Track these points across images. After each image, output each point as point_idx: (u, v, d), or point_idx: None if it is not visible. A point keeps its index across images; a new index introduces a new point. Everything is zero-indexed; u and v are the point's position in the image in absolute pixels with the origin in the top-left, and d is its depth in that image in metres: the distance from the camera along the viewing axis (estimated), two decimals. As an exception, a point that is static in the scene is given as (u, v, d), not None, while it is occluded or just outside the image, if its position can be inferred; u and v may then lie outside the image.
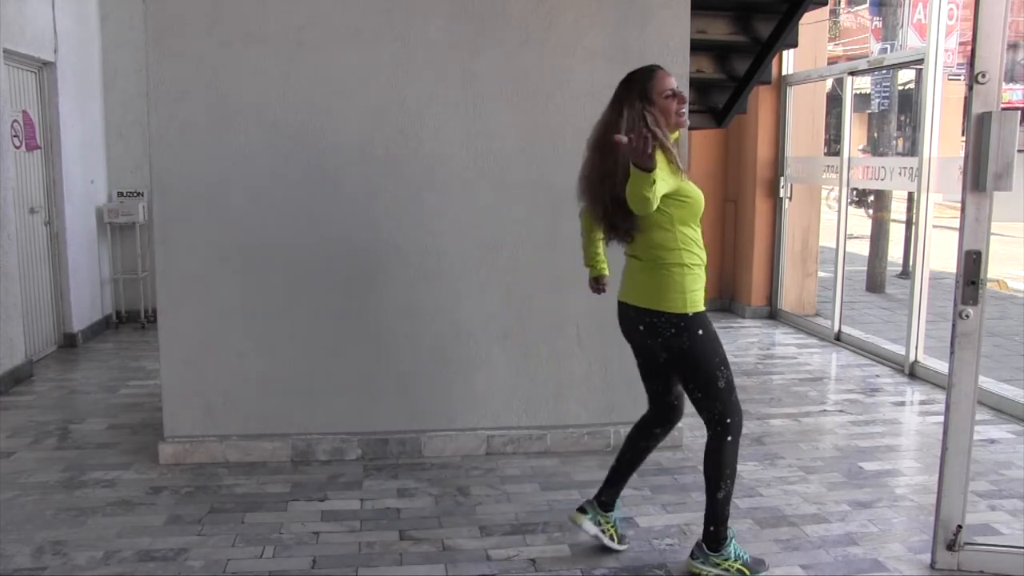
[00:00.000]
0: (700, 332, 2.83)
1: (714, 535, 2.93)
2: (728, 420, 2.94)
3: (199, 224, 3.84)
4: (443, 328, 4.02)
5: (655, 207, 2.60)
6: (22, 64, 5.66)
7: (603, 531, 3.10)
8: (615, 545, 3.11)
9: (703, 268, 2.88)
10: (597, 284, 3.26)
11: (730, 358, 5.86)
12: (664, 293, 2.83)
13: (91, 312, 6.59)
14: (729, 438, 2.94)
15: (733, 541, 2.95)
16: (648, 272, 2.86)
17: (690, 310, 2.81)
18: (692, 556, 2.97)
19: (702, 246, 2.88)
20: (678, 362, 2.92)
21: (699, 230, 2.88)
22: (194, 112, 3.77)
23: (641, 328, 2.91)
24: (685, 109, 2.86)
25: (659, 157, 2.66)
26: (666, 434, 3.18)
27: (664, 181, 2.62)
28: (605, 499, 3.14)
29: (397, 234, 3.96)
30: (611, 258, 3.18)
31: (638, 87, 2.80)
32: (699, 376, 2.90)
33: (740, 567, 2.91)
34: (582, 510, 3.13)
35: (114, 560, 3.02)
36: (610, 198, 2.79)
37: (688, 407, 3.13)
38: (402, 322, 4.00)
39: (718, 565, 2.92)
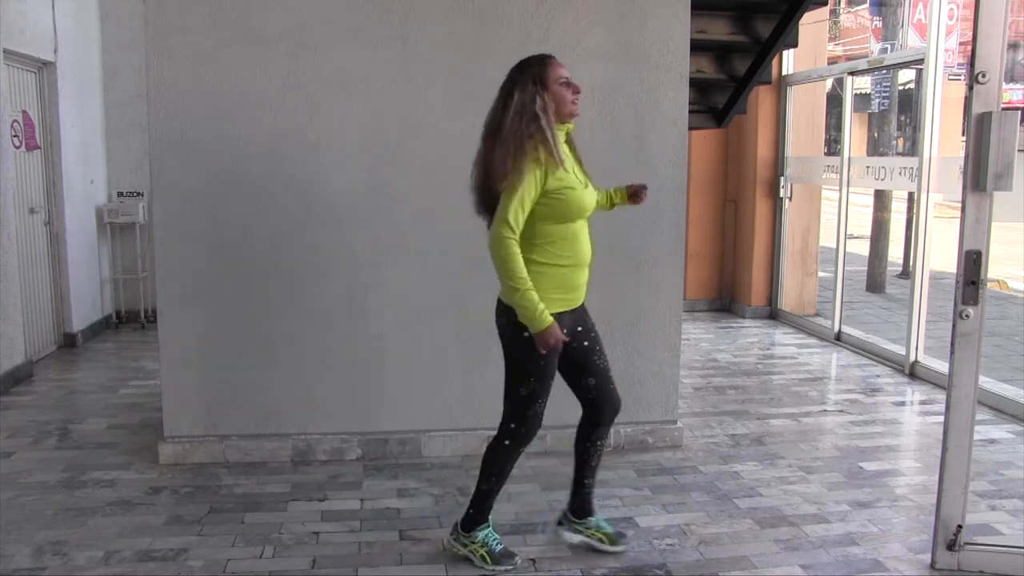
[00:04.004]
0: (525, 334, 2.77)
1: (471, 518, 3.01)
2: (512, 426, 2.91)
3: (199, 224, 3.84)
4: (443, 328, 4.02)
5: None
6: (22, 64, 5.66)
7: (588, 537, 3.10)
8: (608, 548, 3.08)
9: (564, 268, 2.80)
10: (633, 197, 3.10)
11: (730, 358, 5.83)
12: None
13: (91, 312, 6.59)
14: (507, 442, 2.93)
15: (489, 530, 3.02)
16: None
17: None
18: (450, 532, 3.07)
19: (575, 245, 2.80)
20: (504, 352, 2.91)
21: (574, 226, 2.80)
22: (194, 112, 3.77)
23: (495, 314, 2.93)
24: (578, 99, 2.81)
25: (542, 153, 2.68)
26: (600, 431, 3.05)
27: (527, 190, 2.66)
28: (574, 507, 3.13)
29: (397, 234, 3.96)
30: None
31: (533, 71, 2.76)
32: (508, 372, 2.90)
33: (484, 553, 2.98)
34: (559, 522, 3.17)
35: (114, 560, 3.02)
36: (486, 186, 2.80)
37: (625, 397, 3.11)
38: (402, 322, 4.00)
39: (465, 546, 3.00)
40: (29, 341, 5.53)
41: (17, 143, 5.54)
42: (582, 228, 2.85)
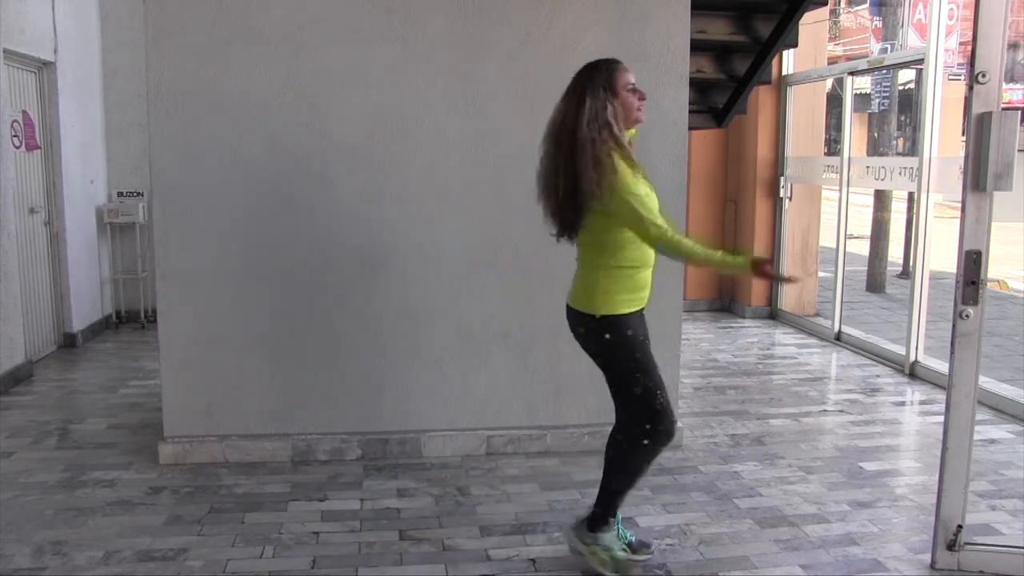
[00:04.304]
0: (607, 336, 2.77)
1: (597, 516, 2.92)
2: (648, 426, 2.83)
3: (199, 224, 3.84)
4: (443, 328, 4.02)
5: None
6: (22, 64, 5.66)
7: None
8: (632, 556, 3.00)
9: (638, 270, 2.80)
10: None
11: (730, 358, 5.83)
12: (581, 292, 2.83)
13: (91, 312, 6.59)
14: (646, 441, 2.85)
15: (614, 531, 2.94)
16: (580, 270, 2.87)
17: (599, 312, 2.76)
18: (573, 526, 2.98)
19: (642, 247, 2.77)
20: (597, 364, 2.89)
21: None
22: (194, 112, 3.77)
23: (569, 325, 2.91)
24: (643, 106, 2.82)
25: (617, 158, 2.68)
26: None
27: (638, 193, 2.65)
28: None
29: (397, 234, 3.96)
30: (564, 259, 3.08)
31: (603, 77, 2.75)
32: (613, 380, 2.86)
33: (606, 557, 2.90)
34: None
35: (114, 560, 3.02)
36: (563, 192, 2.75)
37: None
38: (402, 322, 4.00)
39: (587, 545, 2.92)
40: (29, 341, 5.53)
41: (17, 143, 5.54)
42: None
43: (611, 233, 2.74)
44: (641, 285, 2.84)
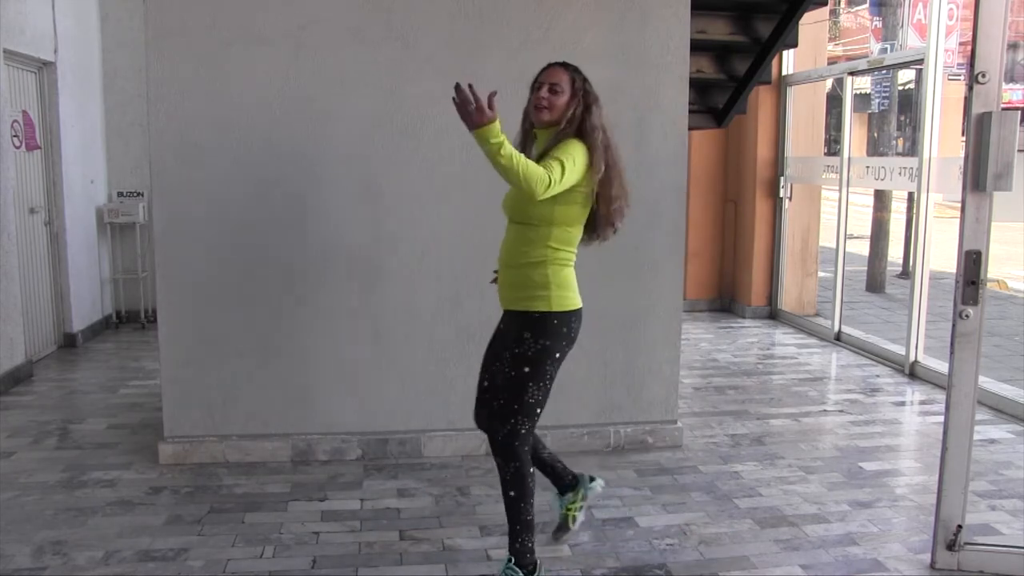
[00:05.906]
0: (564, 330, 2.89)
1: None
2: (516, 443, 3.02)
3: (199, 224, 3.84)
4: (443, 328, 4.02)
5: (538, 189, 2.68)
6: (22, 64, 5.66)
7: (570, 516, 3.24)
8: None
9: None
10: None
11: (730, 358, 5.85)
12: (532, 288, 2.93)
13: (91, 312, 6.59)
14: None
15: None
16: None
17: (556, 308, 2.91)
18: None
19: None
20: (514, 372, 2.99)
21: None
22: (194, 112, 3.77)
23: (513, 335, 3.01)
24: (543, 104, 2.88)
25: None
26: None
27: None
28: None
29: (397, 234, 3.96)
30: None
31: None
32: (517, 382, 2.95)
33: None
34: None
35: (114, 560, 3.02)
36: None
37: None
38: (402, 322, 4.00)
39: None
40: (29, 341, 5.53)
41: (17, 143, 5.54)
42: (509, 226, 2.95)
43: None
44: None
